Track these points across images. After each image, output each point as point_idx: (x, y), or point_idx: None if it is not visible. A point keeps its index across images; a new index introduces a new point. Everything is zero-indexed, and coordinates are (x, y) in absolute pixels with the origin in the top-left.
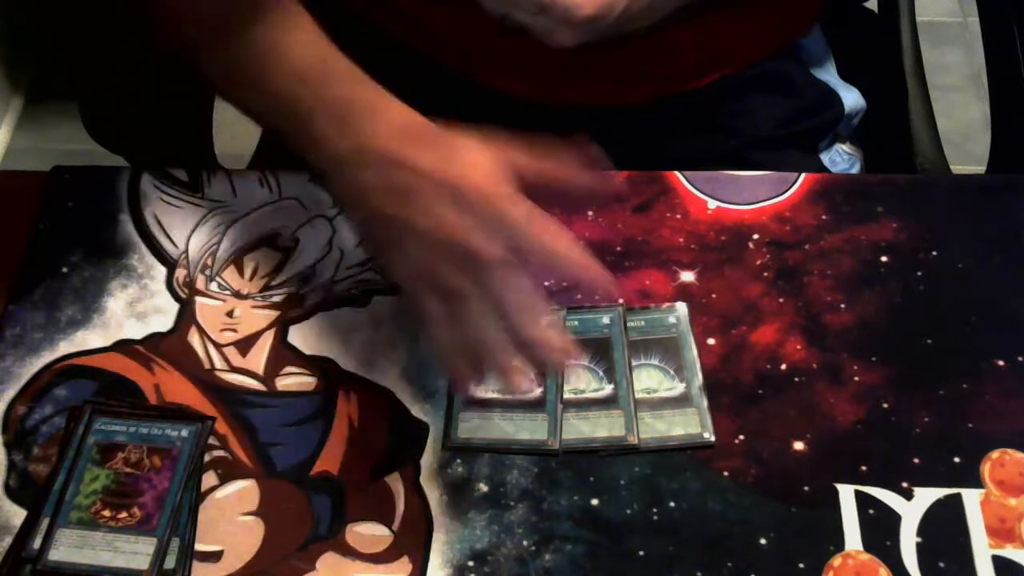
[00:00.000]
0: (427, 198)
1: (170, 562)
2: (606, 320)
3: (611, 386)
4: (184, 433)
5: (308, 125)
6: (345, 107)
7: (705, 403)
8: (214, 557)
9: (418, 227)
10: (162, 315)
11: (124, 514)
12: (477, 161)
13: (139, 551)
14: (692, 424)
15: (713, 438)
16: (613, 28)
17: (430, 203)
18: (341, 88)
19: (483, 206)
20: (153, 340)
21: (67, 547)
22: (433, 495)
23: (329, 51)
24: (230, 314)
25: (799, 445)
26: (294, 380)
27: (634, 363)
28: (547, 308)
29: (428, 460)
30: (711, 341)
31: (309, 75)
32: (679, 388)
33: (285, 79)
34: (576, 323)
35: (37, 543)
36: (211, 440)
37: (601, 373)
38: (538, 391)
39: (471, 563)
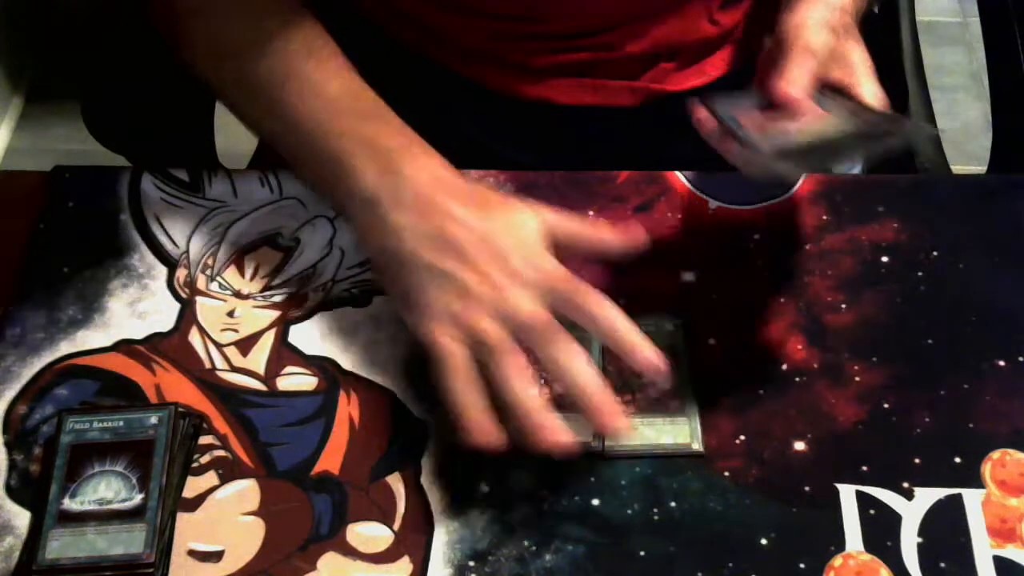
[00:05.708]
0: (469, 249)
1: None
2: (153, 420)
3: (141, 496)
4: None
5: (339, 160)
6: (383, 146)
7: (158, 520)
8: (214, 557)
9: (457, 278)
10: (163, 315)
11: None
12: (517, 220)
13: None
14: (135, 543)
15: (153, 558)
16: None
17: (473, 255)
18: (378, 127)
19: (526, 266)
20: (154, 340)
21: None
22: (434, 495)
23: (360, 86)
24: (231, 314)
25: (800, 445)
26: (295, 380)
27: (99, 468)
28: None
29: (429, 460)
30: (711, 341)
31: (342, 109)
32: (136, 500)
33: (314, 111)
34: (120, 423)
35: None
36: (211, 440)
37: (134, 481)
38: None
39: (472, 563)
